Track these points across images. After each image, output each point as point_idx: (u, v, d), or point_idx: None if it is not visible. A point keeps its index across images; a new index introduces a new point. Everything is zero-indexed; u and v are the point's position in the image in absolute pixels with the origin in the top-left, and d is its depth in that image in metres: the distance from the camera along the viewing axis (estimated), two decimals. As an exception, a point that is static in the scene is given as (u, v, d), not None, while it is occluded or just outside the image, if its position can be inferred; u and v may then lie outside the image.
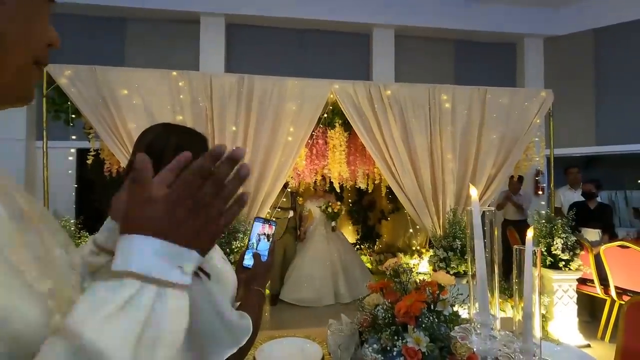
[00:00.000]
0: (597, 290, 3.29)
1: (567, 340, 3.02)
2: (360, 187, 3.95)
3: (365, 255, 5.20)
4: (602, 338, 3.15)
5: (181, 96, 2.90)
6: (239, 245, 2.65)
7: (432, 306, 1.06)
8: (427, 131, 3.29)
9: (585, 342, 3.03)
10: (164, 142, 0.83)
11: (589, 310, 3.56)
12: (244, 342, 0.82)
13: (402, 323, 1.02)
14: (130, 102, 2.82)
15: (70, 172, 4.47)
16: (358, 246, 5.40)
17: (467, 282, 0.74)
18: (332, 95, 3.16)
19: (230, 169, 0.38)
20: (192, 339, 0.77)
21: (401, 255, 5.19)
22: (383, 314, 1.06)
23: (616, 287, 3.15)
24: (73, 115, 2.87)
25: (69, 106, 2.81)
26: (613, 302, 3.17)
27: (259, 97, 2.96)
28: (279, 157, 2.96)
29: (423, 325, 0.99)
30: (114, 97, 2.79)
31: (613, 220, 3.89)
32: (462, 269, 2.99)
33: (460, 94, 3.35)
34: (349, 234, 5.58)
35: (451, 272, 2.96)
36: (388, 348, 1.00)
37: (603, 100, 5.81)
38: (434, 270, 3.28)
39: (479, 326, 0.65)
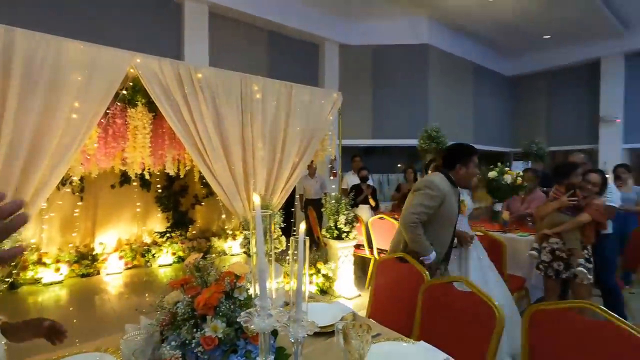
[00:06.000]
0: (366, 252, 4.31)
1: (346, 293, 3.86)
2: (169, 173, 3.70)
3: (177, 243, 4.94)
4: (368, 288, 4.16)
5: None
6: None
7: (231, 293, 1.16)
8: (239, 119, 3.38)
9: (358, 293, 3.94)
10: None
11: (361, 267, 4.63)
12: None
13: (202, 315, 1.08)
14: None
15: None
16: (169, 234, 5.07)
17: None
18: (133, 70, 2.79)
19: None
20: None
21: (215, 239, 5.22)
22: (183, 310, 1.09)
23: (378, 249, 4.22)
24: None
25: None
26: (376, 260, 4.23)
27: (24, 58, 2.29)
28: (58, 138, 2.40)
29: (221, 313, 1.07)
30: None
31: (377, 198, 5.15)
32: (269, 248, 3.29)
33: (270, 86, 3.59)
34: (158, 221, 5.16)
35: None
36: (187, 342, 1.04)
37: (378, 104, 7.47)
38: (245, 252, 3.48)
39: (259, 309, 0.78)
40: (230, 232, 5.42)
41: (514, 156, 9.66)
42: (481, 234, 3.16)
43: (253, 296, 0.82)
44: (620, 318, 1.20)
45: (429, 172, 4.07)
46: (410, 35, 7.34)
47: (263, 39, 6.35)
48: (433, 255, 2.18)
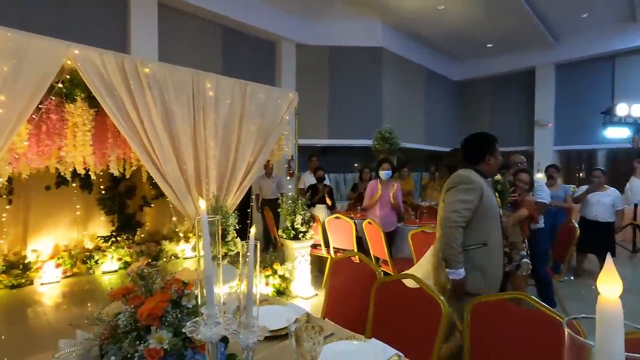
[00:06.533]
0: (323, 252, 4.33)
1: (303, 293, 3.86)
2: (113, 173, 3.46)
3: (123, 248, 4.63)
4: (325, 287, 4.20)
5: None
6: None
7: (178, 301, 1.10)
8: (190, 117, 3.24)
9: (315, 292, 3.96)
10: None
11: (318, 267, 4.65)
12: None
13: (146, 326, 1.01)
14: None
15: None
16: (114, 239, 4.73)
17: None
18: (70, 62, 2.57)
19: None
20: None
21: (166, 242, 4.97)
22: (125, 322, 1.02)
23: (334, 248, 4.26)
24: None
25: None
26: (332, 259, 4.27)
27: None
28: (-21, 135, 2.16)
29: (167, 323, 1.02)
30: None
31: (334, 197, 5.20)
32: (222, 251, 3.20)
33: (223, 84, 3.48)
34: (102, 225, 4.80)
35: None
36: (129, 356, 0.97)
37: (334, 104, 7.55)
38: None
39: (206, 318, 0.75)
40: (182, 235, 5.19)
41: (461, 156, 10.25)
42: (430, 231, 3.31)
43: (199, 303, 0.78)
44: (550, 308, 1.32)
45: (380, 172, 4.17)
46: (365, 38, 7.51)
47: (217, 35, 6.15)
48: (462, 272, 1.93)
